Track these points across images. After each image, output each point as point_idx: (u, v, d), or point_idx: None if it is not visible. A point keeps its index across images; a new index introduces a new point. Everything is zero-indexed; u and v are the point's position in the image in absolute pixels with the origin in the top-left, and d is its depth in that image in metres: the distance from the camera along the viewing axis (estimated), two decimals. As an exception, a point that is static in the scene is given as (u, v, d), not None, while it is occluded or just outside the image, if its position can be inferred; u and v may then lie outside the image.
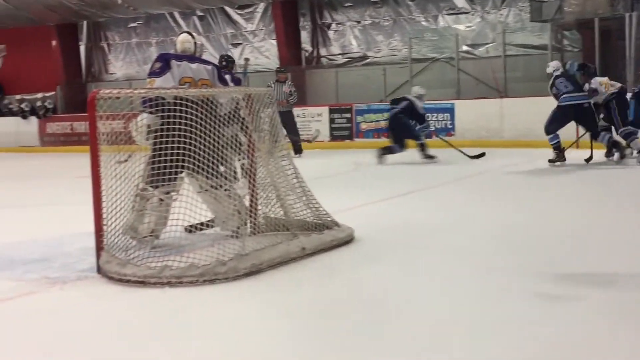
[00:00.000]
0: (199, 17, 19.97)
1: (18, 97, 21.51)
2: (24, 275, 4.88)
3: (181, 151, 5.14)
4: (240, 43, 19.78)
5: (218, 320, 3.86)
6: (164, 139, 5.21)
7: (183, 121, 5.11)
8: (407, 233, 6.18)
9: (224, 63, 9.64)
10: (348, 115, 16.86)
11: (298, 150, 13.97)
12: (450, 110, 15.28)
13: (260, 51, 19.58)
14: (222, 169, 5.56)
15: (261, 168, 5.62)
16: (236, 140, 5.65)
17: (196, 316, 3.96)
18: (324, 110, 17.13)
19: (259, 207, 5.68)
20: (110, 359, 3.32)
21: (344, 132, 16.87)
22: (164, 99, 5.31)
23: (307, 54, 19.31)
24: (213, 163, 5.30)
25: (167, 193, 5.37)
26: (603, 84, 11.09)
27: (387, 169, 11.58)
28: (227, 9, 19.51)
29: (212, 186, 5.51)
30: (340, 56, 19.13)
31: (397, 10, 18.33)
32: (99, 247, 4.87)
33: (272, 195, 5.61)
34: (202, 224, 5.56)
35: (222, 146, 5.37)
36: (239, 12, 19.59)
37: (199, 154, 5.17)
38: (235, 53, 19.57)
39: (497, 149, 13.21)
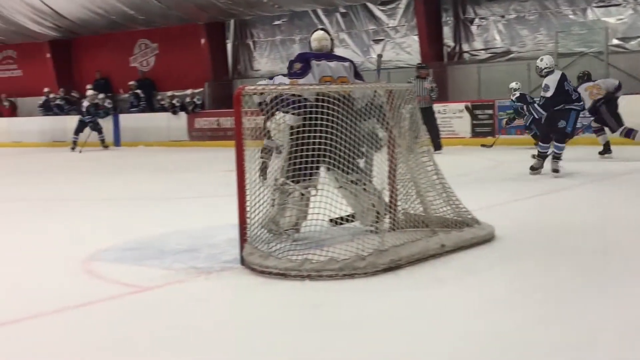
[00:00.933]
0: (341, 14, 20.04)
1: (169, 93, 22.31)
2: (173, 265, 5.07)
3: (321, 147, 5.22)
4: (382, 39, 19.73)
5: (357, 315, 3.87)
6: (305, 136, 5.30)
7: (324, 117, 5.18)
8: (549, 232, 6.00)
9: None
10: (490, 111, 16.52)
11: (438, 147, 13.85)
12: (599, 107, 14.64)
13: (402, 47, 19.45)
14: (360, 163, 5.59)
15: (401, 164, 5.60)
16: (373, 134, 5.66)
17: (335, 310, 3.99)
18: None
19: (399, 203, 5.65)
20: (249, 349, 3.40)
21: (485, 129, 16.54)
22: (306, 99, 5.40)
23: (449, 50, 19.01)
24: (351, 158, 5.35)
25: (307, 188, 5.46)
26: (588, 90, 11.62)
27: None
28: (370, 5, 19.49)
29: (350, 181, 5.55)
30: (483, 51, 18.72)
31: (543, 4, 17.75)
32: (243, 240, 4.99)
33: (412, 192, 5.57)
34: (343, 217, 5.61)
35: (360, 141, 5.40)
36: (381, 8, 19.54)
37: (338, 150, 5.23)
38: (376, 49, 19.58)
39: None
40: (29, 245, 6.21)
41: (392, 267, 4.66)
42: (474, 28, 18.85)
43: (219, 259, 5.15)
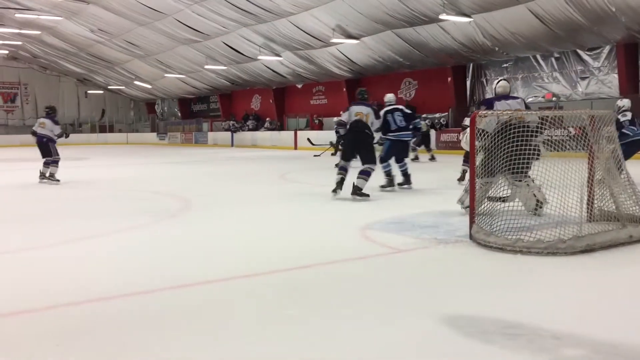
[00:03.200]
0: (555, 58, 18.69)
1: (424, 115, 22.28)
2: (421, 235, 5.09)
3: (501, 159, 5.14)
4: (587, 77, 18.10)
5: (555, 284, 3.64)
6: (490, 152, 5.27)
7: (507, 138, 5.07)
8: None
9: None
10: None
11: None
12: None
13: (604, 83, 17.68)
14: (526, 168, 5.34)
15: (599, 172, 5.14)
16: (537, 146, 5.28)
17: (540, 278, 3.78)
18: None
19: (595, 201, 5.19)
20: (471, 300, 3.32)
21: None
22: (487, 132, 5.38)
23: (643, 84, 16.99)
24: (523, 165, 5.14)
25: (486, 183, 5.37)
26: None
27: None
28: (579, 51, 17.99)
29: (518, 181, 5.45)
30: (673, 85, 16.49)
31: None
32: (472, 221, 4.89)
33: (607, 193, 5.10)
34: (501, 197, 5.40)
35: (531, 152, 5.14)
36: (588, 53, 17.90)
37: (512, 161, 5.08)
38: (582, 84, 18.04)
39: None
40: (325, 216, 6.55)
41: (588, 250, 4.32)
42: (668, 66, 16.65)
43: (454, 234, 5.09)
